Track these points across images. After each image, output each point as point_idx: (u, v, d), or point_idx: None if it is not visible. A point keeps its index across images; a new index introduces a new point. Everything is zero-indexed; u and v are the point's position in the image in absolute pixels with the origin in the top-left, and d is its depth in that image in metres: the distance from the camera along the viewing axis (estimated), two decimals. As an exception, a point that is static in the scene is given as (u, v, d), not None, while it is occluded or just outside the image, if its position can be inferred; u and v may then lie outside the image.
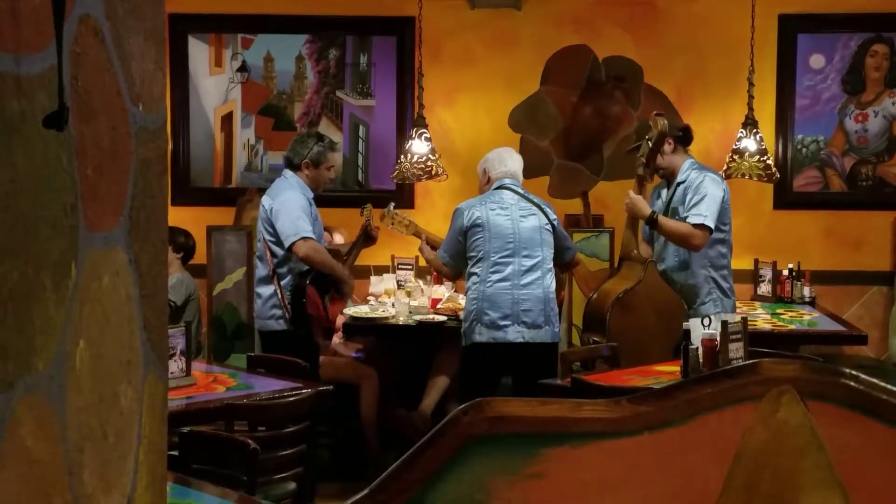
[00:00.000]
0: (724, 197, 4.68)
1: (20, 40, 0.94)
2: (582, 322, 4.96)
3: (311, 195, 4.89)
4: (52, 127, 0.98)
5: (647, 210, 4.65)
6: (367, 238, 5.29)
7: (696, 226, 4.59)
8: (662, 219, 4.66)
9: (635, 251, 4.70)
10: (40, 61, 0.97)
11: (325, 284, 4.88)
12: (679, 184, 4.75)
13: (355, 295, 5.90)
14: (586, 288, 5.31)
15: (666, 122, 4.66)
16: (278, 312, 4.83)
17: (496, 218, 4.65)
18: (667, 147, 4.75)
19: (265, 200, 4.89)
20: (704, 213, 4.59)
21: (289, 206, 4.76)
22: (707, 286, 4.73)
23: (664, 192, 4.89)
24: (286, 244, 4.75)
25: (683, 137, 4.84)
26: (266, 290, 4.87)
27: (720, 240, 4.75)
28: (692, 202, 4.64)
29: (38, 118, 0.97)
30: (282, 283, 4.82)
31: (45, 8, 0.98)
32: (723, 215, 4.70)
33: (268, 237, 4.83)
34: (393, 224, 5.36)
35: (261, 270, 4.92)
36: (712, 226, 4.60)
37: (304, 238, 4.71)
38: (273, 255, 4.82)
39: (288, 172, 4.94)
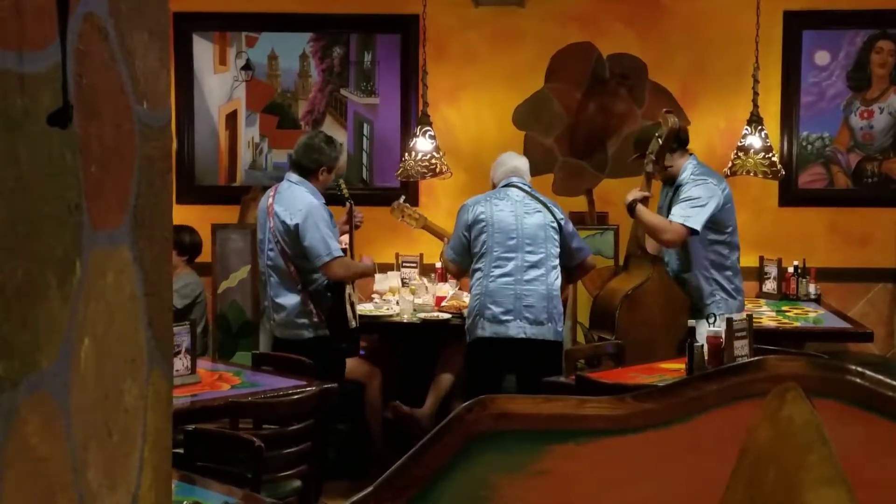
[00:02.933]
0: (719, 201, 4.62)
1: (24, 38, 0.94)
2: (588, 319, 4.95)
3: (323, 200, 4.77)
4: (57, 125, 0.98)
5: (629, 199, 4.63)
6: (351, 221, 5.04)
7: (672, 222, 4.56)
8: (640, 208, 4.63)
9: (642, 249, 4.69)
10: (44, 59, 0.97)
11: (343, 286, 4.79)
12: (678, 186, 4.72)
13: (360, 293, 5.90)
14: (591, 286, 5.30)
15: (676, 119, 4.64)
16: (306, 321, 4.73)
17: (499, 213, 4.66)
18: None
19: (280, 211, 4.69)
20: (686, 214, 4.56)
21: (316, 224, 4.62)
22: (709, 287, 4.72)
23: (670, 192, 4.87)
24: (317, 264, 4.62)
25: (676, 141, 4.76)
26: (289, 301, 4.72)
27: (720, 241, 4.72)
28: (679, 200, 4.63)
29: (42, 116, 0.97)
30: (309, 289, 4.71)
31: (49, 6, 0.97)
32: (725, 218, 4.68)
33: (288, 251, 4.68)
34: (403, 217, 5.34)
35: (282, 279, 4.75)
36: (693, 226, 4.55)
37: (335, 258, 4.61)
38: (298, 268, 4.71)
39: (294, 177, 4.77)
